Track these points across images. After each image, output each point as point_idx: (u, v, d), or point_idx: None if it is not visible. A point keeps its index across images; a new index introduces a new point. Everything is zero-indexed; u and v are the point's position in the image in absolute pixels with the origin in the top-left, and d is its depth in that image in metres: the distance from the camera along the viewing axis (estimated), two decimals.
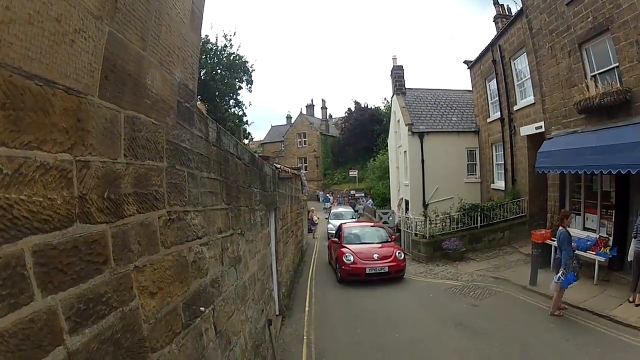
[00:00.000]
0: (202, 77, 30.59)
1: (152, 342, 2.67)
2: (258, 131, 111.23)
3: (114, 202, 2.35)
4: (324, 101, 67.49)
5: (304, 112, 63.20)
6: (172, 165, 3.20)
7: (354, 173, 50.64)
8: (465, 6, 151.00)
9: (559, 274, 9.38)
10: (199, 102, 4.12)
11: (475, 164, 24.58)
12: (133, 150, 2.58)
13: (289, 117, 66.71)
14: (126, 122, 2.50)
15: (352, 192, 47.78)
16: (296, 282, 14.99)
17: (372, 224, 20.41)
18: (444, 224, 18.91)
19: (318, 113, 64.71)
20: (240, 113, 36.22)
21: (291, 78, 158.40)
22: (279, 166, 11.91)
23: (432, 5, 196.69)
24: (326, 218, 30.11)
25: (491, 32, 24.69)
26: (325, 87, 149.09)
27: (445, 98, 26.83)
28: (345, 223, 19.80)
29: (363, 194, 45.03)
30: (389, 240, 16.68)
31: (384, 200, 37.24)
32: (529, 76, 17.42)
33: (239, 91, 35.03)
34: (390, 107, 31.21)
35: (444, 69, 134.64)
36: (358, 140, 53.47)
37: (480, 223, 18.33)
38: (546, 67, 14.33)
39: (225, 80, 33.12)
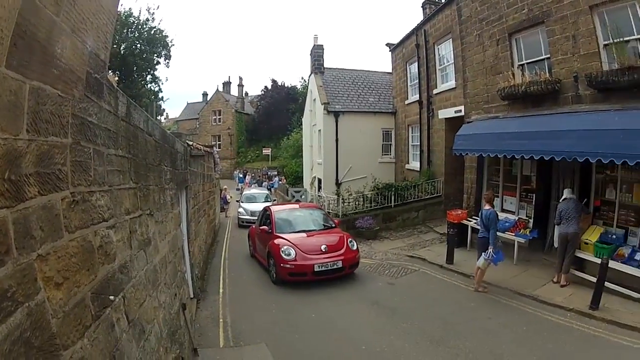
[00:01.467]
0: (122, 52, 29.70)
1: (63, 339, 2.42)
2: (174, 108, 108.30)
3: (15, 184, 2.07)
4: (240, 78, 67.13)
5: (221, 89, 62.21)
6: (77, 142, 2.90)
7: (267, 151, 50.27)
8: None
9: (490, 251, 9.68)
10: (109, 74, 3.79)
11: (391, 144, 24.98)
12: (36, 125, 2.28)
13: (205, 94, 66.13)
14: (31, 94, 2.21)
15: (270, 171, 46.85)
16: (209, 263, 14.29)
17: (306, 205, 17.94)
18: (357, 203, 18.85)
19: (235, 91, 63.93)
20: (157, 89, 35.61)
21: (211, 55, 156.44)
22: (191, 143, 11.28)
23: None
24: (237, 201, 28.42)
25: (418, 18, 25.08)
26: (244, 65, 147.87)
27: (364, 79, 27.03)
28: (273, 206, 16.50)
29: (276, 173, 44.56)
30: (333, 225, 13.72)
31: (296, 179, 37.34)
32: (452, 61, 17.90)
33: (156, 66, 34.18)
34: (307, 86, 31.04)
35: (367, 52, 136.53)
36: (273, 118, 53.32)
37: (395, 202, 18.59)
38: (472, 53, 14.66)
39: (144, 55, 32.33)
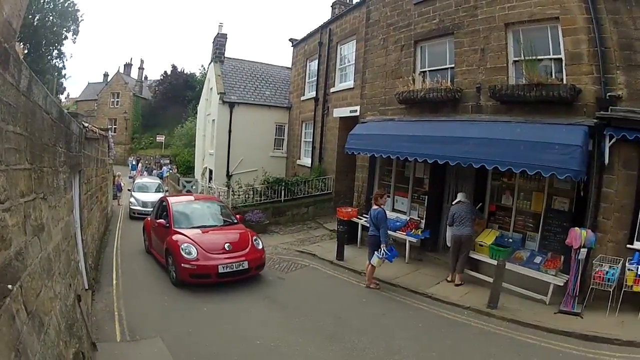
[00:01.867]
0: (35, 24, 27.31)
1: None
2: (75, 87, 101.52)
3: None
4: (142, 61, 64.64)
5: (122, 71, 59.94)
6: None
7: (160, 138, 49.00)
8: None
9: (383, 249, 9.80)
10: (19, 46, 3.47)
11: (283, 139, 25.05)
12: None
13: (106, 75, 62.82)
14: None
15: (163, 159, 45.34)
16: (102, 252, 13.15)
17: (205, 197, 16.62)
18: (247, 196, 18.70)
19: (135, 74, 61.91)
20: (61, 65, 33.38)
21: (116, 33, 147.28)
22: (86, 125, 10.61)
23: None
24: (128, 190, 25.75)
25: (325, 16, 25.25)
26: (147, 47, 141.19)
27: (263, 72, 26.88)
28: (170, 197, 15.26)
29: (168, 161, 43.45)
30: (235, 221, 12.60)
31: (188, 169, 36.89)
32: (354, 62, 18.21)
33: (64, 41, 32.07)
34: (206, 75, 30.46)
35: (270, 46, 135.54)
36: (170, 104, 52.29)
37: (285, 197, 18.54)
38: (374, 56, 14.80)
39: (54, 29, 30.13)
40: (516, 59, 10.22)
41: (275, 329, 8.02)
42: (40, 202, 4.59)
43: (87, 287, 8.56)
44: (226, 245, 10.61)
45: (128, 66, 62.09)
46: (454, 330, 7.90)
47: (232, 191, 18.43)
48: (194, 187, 25.38)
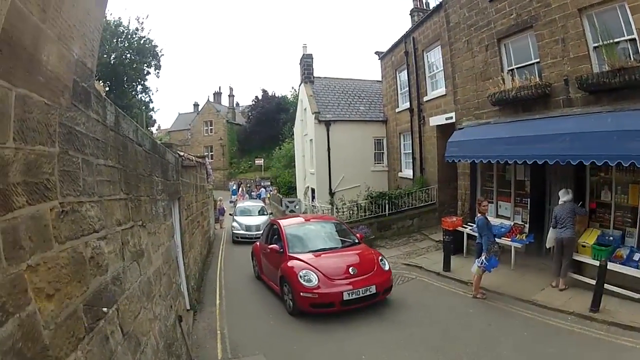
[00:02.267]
0: (112, 62, 29.78)
1: (56, 350, 2.39)
2: (165, 119, 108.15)
3: (3, 194, 2.04)
4: (231, 89, 66.71)
5: (212, 99, 62.09)
6: (65, 151, 2.87)
7: (259, 162, 49.91)
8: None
9: (482, 258, 9.64)
10: (97, 83, 3.74)
11: (383, 152, 24.82)
12: (23, 133, 2.25)
13: (196, 105, 65.86)
14: (17, 101, 2.18)
15: (263, 181, 46.19)
16: (205, 274, 13.95)
17: (319, 217, 14.97)
18: (351, 212, 18.67)
19: (225, 101, 64.34)
20: (147, 99, 35.53)
21: (201, 65, 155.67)
22: (182, 154, 11.02)
23: None
24: (230, 214, 25.80)
25: (406, 25, 25.05)
26: (234, 75, 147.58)
27: (354, 87, 26.91)
28: (279, 219, 13.65)
29: (269, 183, 44.32)
30: (356, 240, 11.55)
31: (290, 189, 37.42)
32: (442, 68, 17.80)
33: (146, 76, 34.20)
34: (298, 96, 31.02)
35: (355, 61, 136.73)
36: (264, 128, 52.99)
37: (389, 211, 18.38)
38: (461, 60, 14.60)
39: (134, 65, 32.33)
40: (595, 44, 9.74)
41: (382, 343, 7.98)
42: (139, 229, 4.92)
43: (188, 308, 8.93)
44: (350, 269, 9.63)
45: (217, 95, 64.63)
46: (557, 338, 7.65)
47: (336, 208, 18.53)
48: (297, 207, 25.52)
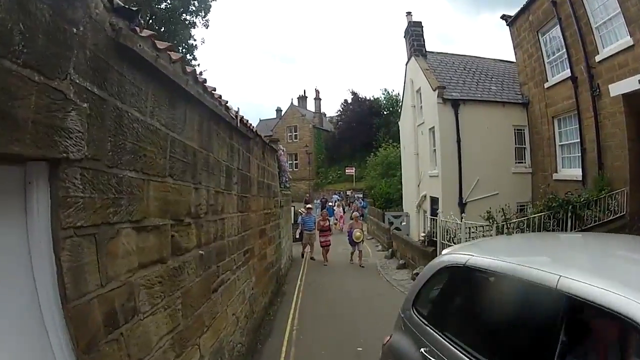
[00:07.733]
0: None
1: None
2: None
3: None
4: (317, 91, 60.82)
5: (296, 103, 58.78)
6: None
7: (350, 171, 46.45)
8: None
9: None
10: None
11: (525, 147, 18.20)
12: None
13: (279, 111, 63.05)
14: None
15: (356, 194, 41.51)
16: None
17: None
18: (517, 231, 12.15)
19: (311, 106, 60.44)
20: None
21: (284, 73, 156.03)
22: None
23: None
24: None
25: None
26: (319, 81, 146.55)
27: (477, 65, 20.98)
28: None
29: (362, 195, 40.64)
30: None
31: (387, 202, 31.55)
32: (619, 10, 12.47)
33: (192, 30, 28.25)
34: (405, 77, 24.45)
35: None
36: (355, 134, 49.07)
37: (571, 227, 11.91)
38: None
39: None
40: None
41: None
42: None
43: None
44: None
45: (302, 99, 60.91)
46: None
47: (497, 226, 12.33)
48: (403, 223, 21.66)
